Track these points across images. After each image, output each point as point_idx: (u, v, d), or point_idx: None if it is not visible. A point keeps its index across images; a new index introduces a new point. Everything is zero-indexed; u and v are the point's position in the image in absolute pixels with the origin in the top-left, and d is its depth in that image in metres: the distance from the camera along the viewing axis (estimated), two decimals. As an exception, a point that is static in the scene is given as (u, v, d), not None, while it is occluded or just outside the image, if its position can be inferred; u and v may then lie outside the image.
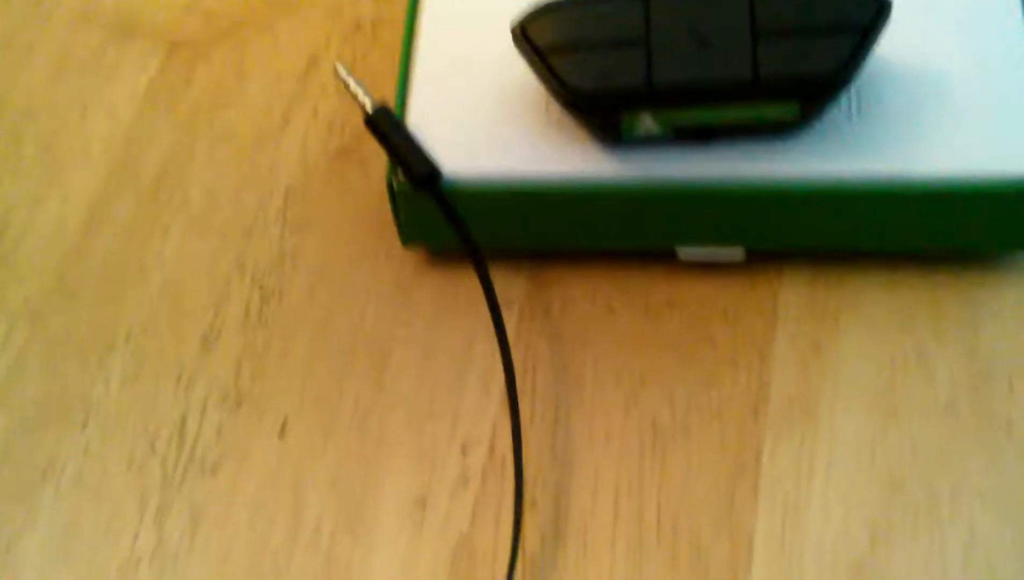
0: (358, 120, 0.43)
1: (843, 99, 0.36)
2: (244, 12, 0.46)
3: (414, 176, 0.36)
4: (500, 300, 0.39)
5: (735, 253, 0.38)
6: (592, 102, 0.34)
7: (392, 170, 0.37)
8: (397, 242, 0.40)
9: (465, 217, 0.37)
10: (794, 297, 0.38)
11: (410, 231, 0.39)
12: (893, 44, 0.36)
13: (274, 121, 0.43)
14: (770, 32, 0.34)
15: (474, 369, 0.37)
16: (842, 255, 0.38)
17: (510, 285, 0.39)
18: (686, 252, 0.38)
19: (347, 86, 0.37)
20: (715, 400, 0.36)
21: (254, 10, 0.46)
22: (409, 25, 0.40)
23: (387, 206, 0.40)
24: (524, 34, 0.35)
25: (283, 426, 0.37)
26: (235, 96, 0.44)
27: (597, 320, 0.38)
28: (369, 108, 0.36)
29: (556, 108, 0.37)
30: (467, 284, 0.39)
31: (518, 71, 0.37)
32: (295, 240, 0.40)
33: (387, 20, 0.45)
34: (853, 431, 0.35)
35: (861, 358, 0.36)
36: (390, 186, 0.37)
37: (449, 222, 0.36)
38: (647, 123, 0.35)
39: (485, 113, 0.37)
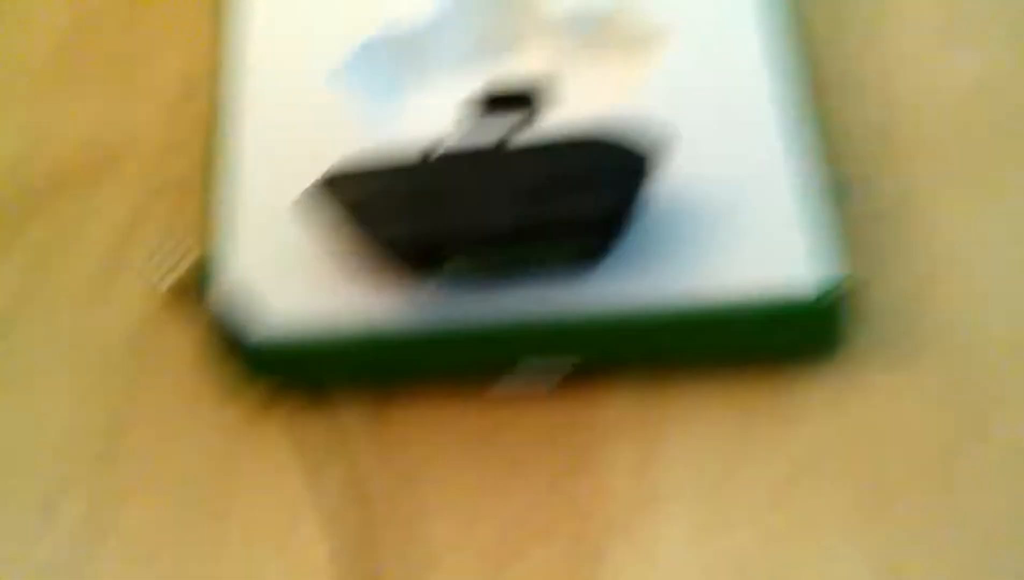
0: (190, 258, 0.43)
1: (642, 226, 0.38)
2: (61, 175, 0.46)
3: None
4: (340, 434, 0.39)
5: (563, 368, 0.39)
6: (394, 250, 0.36)
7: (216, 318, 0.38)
8: (234, 384, 0.40)
9: (293, 365, 0.38)
10: (619, 412, 0.39)
11: (241, 378, 0.39)
12: (675, 168, 0.39)
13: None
14: (548, 186, 0.35)
15: (313, 509, 0.38)
16: (665, 365, 0.40)
17: (351, 417, 0.40)
18: (515, 375, 0.39)
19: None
20: (547, 522, 0.37)
21: (71, 172, 0.46)
22: (212, 171, 0.41)
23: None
24: (327, 188, 0.36)
25: None
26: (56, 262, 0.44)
27: (437, 445, 0.39)
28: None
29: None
30: (308, 415, 0.40)
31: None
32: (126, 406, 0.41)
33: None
34: (680, 540, 0.37)
35: (685, 468, 0.38)
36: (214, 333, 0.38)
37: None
38: (453, 266, 0.36)
39: (300, 264, 0.38)
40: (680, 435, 0.38)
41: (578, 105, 0.42)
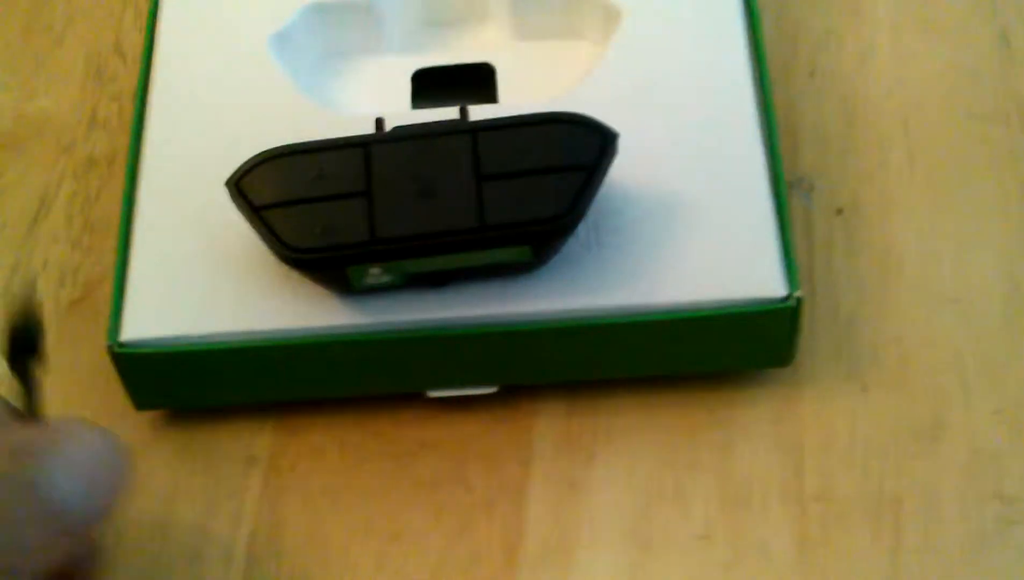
0: (91, 269, 0.41)
1: (581, 231, 0.35)
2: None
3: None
4: (244, 457, 0.37)
5: (487, 386, 0.37)
6: (313, 260, 0.33)
7: (112, 334, 0.35)
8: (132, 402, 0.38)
9: (201, 377, 0.35)
10: (549, 431, 0.37)
11: (140, 396, 0.36)
12: (629, 171, 0.36)
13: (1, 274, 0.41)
14: (495, 177, 0.33)
15: (214, 542, 0.35)
16: (598, 381, 0.38)
17: (255, 440, 0.37)
18: (435, 391, 0.37)
19: None
20: (469, 549, 0.35)
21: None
22: (130, 172, 0.38)
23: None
24: (239, 189, 0.33)
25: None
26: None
27: (347, 471, 0.36)
28: None
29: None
30: (211, 440, 0.37)
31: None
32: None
33: (124, 153, 0.43)
34: (608, 569, 0.34)
35: (616, 493, 0.36)
36: (110, 350, 0.35)
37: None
38: (376, 274, 0.33)
39: (212, 268, 0.35)
40: (610, 460, 0.36)
41: (528, 92, 0.40)
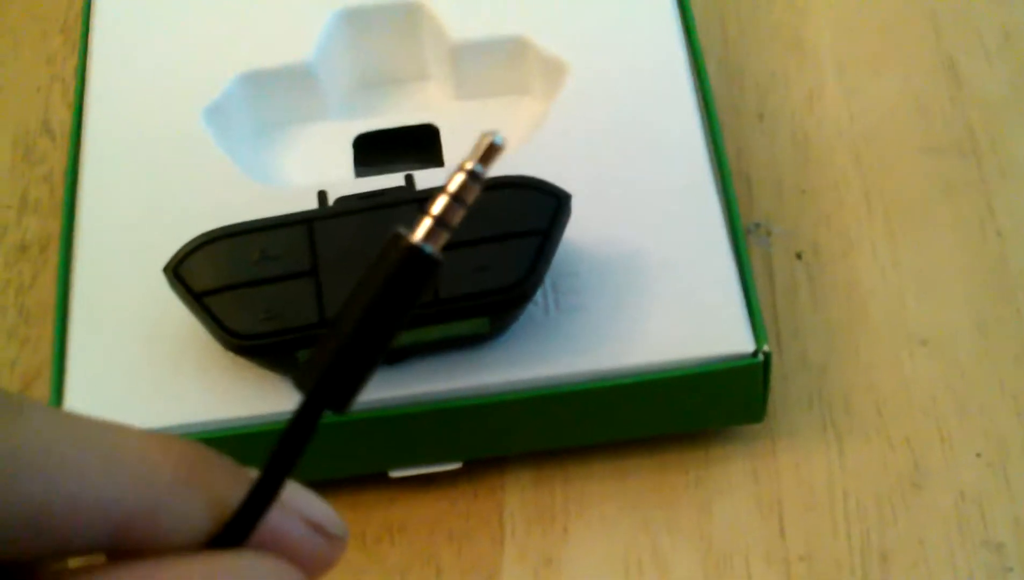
0: (29, 360, 0.39)
1: (539, 296, 0.34)
2: None
3: None
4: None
5: (452, 462, 0.35)
6: (259, 346, 0.31)
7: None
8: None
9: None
10: (520, 504, 0.35)
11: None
12: (584, 230, 0.34)
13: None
14: (446, 248, 0.31)
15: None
16: (567, 448, 0.36)
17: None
18: (398, 470, 0.35)
19: None
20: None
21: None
22: (63, 258, 0.36)
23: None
24: (177, 275, 0.31)
25: None
26: None
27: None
28: None
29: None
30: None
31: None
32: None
33: (57, 237, 0.41)
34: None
35: (594, 564, 0.34)
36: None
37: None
38: (328, 356, 0.32)
39: (154, 357, 0.34)
40: (585, 530, 0.35)
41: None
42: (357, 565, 0.34)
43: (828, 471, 0.35)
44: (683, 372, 0.33)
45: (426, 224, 0.19)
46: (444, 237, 0.19)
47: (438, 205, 0.19)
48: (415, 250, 0.19)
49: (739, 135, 0.42)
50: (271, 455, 0.19)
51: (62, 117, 0.45)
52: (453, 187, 0.20)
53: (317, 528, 0.20)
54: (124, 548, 0.19)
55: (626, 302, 0.34)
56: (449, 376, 0.33)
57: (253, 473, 0.20)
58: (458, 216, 0.19)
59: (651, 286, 0.34)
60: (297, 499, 0.20)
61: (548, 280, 0.34)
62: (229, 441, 0.33)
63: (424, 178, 0.35)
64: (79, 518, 0.18)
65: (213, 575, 0.19)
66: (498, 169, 0.33)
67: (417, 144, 0.40)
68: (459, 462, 0.35)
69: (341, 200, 0.33)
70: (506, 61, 0.40)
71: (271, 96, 0.40)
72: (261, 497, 0.19)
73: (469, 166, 0.20)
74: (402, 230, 0.19)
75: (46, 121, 0.45)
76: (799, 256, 0.39)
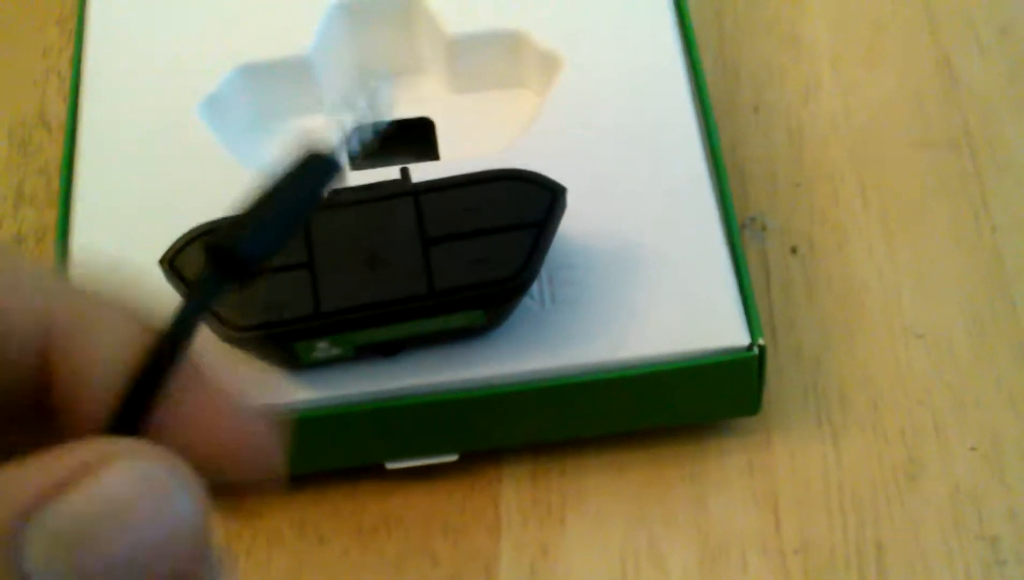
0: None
1: (534, 289, 0.34)
2: None
3: None
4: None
5: (448, 455, 0.36)
6: (257, 338, 0.31)
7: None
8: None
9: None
10: (516, 496, 0.35)
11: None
12: (579, 223, 0.34)
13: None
14: (442, 240, 0.32)
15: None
16: (563, 442, 0.36)
17: (208, 526, 0.35)
18: (394, 462, 0.35)
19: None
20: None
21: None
22: (60, 250, 0.36)
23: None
24: (173, 267, 0.31)
25: None
26: None
27: (307, 553, 0.35)
28: None
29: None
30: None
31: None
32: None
33: (53, 229, 0.41)
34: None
35: (591, 556, 0.34)
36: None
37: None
38: (325, 348, 0.32)
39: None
40: (581, 522, 0.35)
41: (469, 145, 0.39)
42: (353, 556, 0.35)
43: (823, 464, 0.35)
44: (678, 365, 0.33)
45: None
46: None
47: None
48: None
49: (734, 129, 0.42)
50: (173, 321, 0.19)
51: (58, 109, 0.45)
52: None
53: (252, 417, 0.20)
54: (52, 373, 0.18)
55: (621, 295, 0.34)
56: (445, 368, 0.33)
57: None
58: None
59: (646, 279, 0.34)
60: (230, 385, 0.20)
61: (544, 273, 0.34)
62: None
63: (419, 171, 0.35)
64: (9, 320, 0.18)
65: (80, 468, 0.17)
66: (493, 163, 0.34)
67: (412, 137, 0.40)
68: (455, 454, 0.35)
69: (336, 192, 0.33)
70: (502, 55, 0.40)
71: (268, 89, 0.40)
72: (156, 371, 0.19)
73: None
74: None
75: (42, 113, 0.45)
76: (794, 250, 0.39)
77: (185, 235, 0.32)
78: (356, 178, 0.35)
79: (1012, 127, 0.42)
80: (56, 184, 0.42)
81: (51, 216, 0.41)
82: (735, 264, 0.35)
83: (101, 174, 0.38)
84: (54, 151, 0.44)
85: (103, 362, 0.18)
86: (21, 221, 0.42)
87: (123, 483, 0.17)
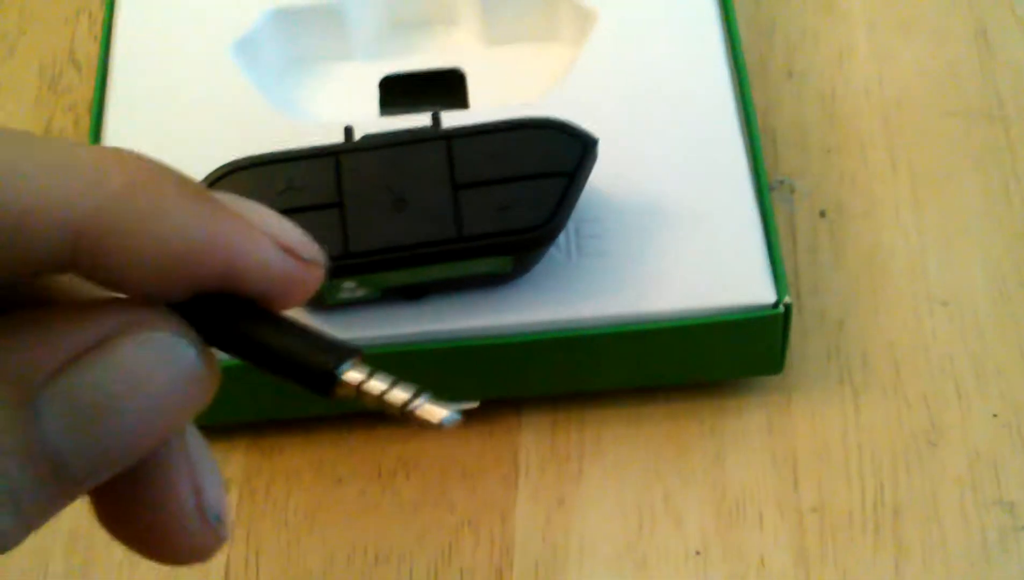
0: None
1: (561, 239, 0.34)
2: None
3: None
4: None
5: (468, 402, 0.36)
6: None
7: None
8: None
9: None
10: (535, 445, 0.35)
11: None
12: (609, 176, 0.34)
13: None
14: (472, 185, 0.32)
15: (186, 573, 0.34)
16: (583, 393, 0.36)
17: (227, 463, 0.35)
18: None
19: None
20: (457, 572, 0.34)
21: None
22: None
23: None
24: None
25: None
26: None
27: (325, 494, 0.35)
28: None
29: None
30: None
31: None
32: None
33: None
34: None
35: (607, 508, 0.34)
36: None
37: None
38: (351, 288, 0.32)
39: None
40: (599, 475, 0.35)
41: (499, 97, 0.39)
42: (370, 498, 0.35)
43: (843, 425, 0.35)
44: (703, 320, 0.33)
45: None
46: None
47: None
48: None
49: (767, 92, 0.42)
50: None
51: (88, 49, 0.45)
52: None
53: (288, 251, 0.19)
54: (88, 265, 0.18)
55: (648, 249, 0.34)
56: (469, 314, 0.33)
57: (220, 197, 0.19)
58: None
59: (674, 235, 0.34)
60: (268, 221, 0.19)
61: (571, 224, 0.34)
62: (250, 369, 0.33)
63: (449, 119, 0.35)
64: (35, 223, 0.17)
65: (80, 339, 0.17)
66: (524, 112, 0.33)
67: (443, 87, 0.40)
68: (476, 401, 0.35)
69: (368, 136, 0.33)
70: (535, 7, 0.40)
71: (300, 33, 0.40)
72: None
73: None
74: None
75: (72, 52, 0.45)
76: (822, 214, 0.39)
77: (216, 170, 0.32)
78: (385, 124, 0.35)
79: (1047, 100, 0.41)
80: (85, 123, 0.42)
81: (80, 154, 0.41)
82: (764, 223, 0.35)
83: (131, 112, 0.38)
84: (83, 90, 0.44)
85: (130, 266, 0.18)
86: (49, 159, 0.42)
87: (141, 353, 0.18)
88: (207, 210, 0.19)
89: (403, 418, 0.20)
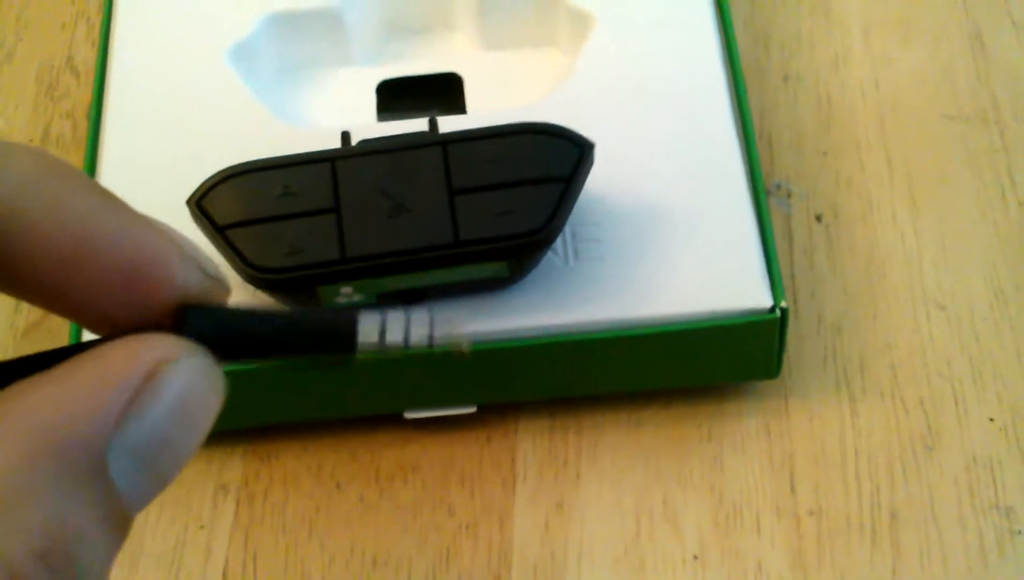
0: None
1: (558, 244, 0.34)
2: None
3: None
4: (215, 485, 0.35)
5: (466, 406, 0.36)
6: (281, 281, 0.31)
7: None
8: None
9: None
10: (532, 449, 0.36)
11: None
12: (606, 181, 0.34)
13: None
14: (468, 190, 0.32)
15: (185, 576, 0.34)
16: (581, 398, 0.36)
17: (226, 467, 0.35)
18: (413, 412, 0.35)
19: None
20: (454, 574, 0.34)
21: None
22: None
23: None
24: (200, 208, 0.31)
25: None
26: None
27: (324, 498, 0.35)
28: None
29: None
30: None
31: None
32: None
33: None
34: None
35: (605, 512, 0.34)
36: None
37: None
38: (348, 293, 0.32)
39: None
40: (597, 479, 0.35)
41: (497, 102, 0.39)
42: (369, 503, 0.35)
43: (840, 429, 0.35)
44: (700, 325, 0.33)
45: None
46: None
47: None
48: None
49: (763, 96, 0.42)
50: None
51: (86, 55, 0.45)
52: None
53: (191, 260, 0.20)
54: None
55: (645, 254, 0.34)
56: (466, 320, 0.33)
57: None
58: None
59: (671, 239, 0.34)
60: (172, 233, 0.20)
61: (568, 229, 0.34)
62: (249, 375, 0.33)
63: (446, 124, 0.35)
64: None
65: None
66: (521, 117, 0.34)
67: (440, 93, 0.40)
68: (474, 406, 0.35)
69: (364, 142, 0.33)
70: (533, 12, 0.40)
71: (298, 38, 0.40)
72: None
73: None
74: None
75: (70, 58, 0.45)
76: (819, 218, 0.39)
77: (213, 176, 0.32)
78: (382, 129, 0.35)
79: (1042, 103, 0.42)
80: (82, 128, 0.42)
81: (76, 160, 0.41)
82: (760, 227, 0.35)
83: (129, 119, 0.38)
84: (80, 96, 0.44)
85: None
86: (47, 164, 0.42)
87: (188, 383, 0.18)
88: (113, 205, 0.19)
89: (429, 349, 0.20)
